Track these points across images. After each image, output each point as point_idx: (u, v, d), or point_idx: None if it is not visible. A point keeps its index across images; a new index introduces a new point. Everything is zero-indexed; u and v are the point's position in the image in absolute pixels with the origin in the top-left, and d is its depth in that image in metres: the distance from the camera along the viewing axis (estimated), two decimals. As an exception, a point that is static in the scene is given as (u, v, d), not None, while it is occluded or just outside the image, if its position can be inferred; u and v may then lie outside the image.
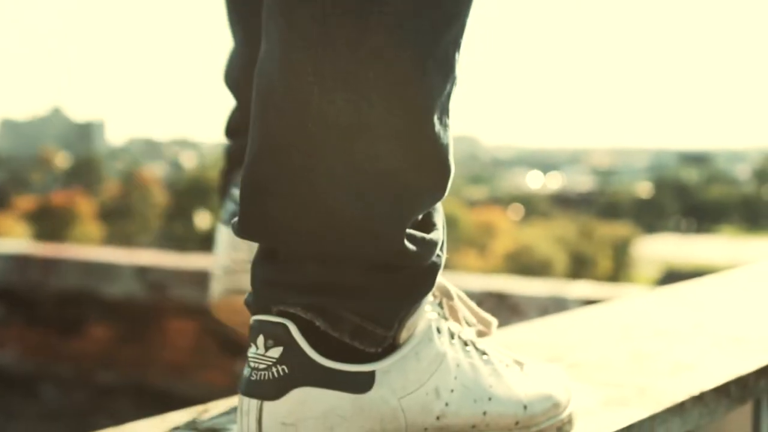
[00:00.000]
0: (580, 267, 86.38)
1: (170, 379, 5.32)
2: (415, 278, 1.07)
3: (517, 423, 1.10)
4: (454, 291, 1.14)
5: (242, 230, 1.06)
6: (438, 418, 1.05)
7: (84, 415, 5.45)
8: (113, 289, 5.44)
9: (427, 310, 1.10)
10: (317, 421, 0.99)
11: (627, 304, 2.11)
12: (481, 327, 1.17)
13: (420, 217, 1.08)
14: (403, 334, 1.06)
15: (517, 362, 1.15)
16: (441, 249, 1.10)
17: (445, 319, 1.13)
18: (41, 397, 5.56)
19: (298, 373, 1.00)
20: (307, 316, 1.02)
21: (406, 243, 1.04)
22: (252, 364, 1.03)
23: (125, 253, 5.76)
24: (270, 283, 1.05)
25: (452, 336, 1.11)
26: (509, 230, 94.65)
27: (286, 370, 1.00)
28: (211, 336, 5.21)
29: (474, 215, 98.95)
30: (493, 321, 1.18)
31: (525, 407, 1.11)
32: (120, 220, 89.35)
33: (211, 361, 5.21)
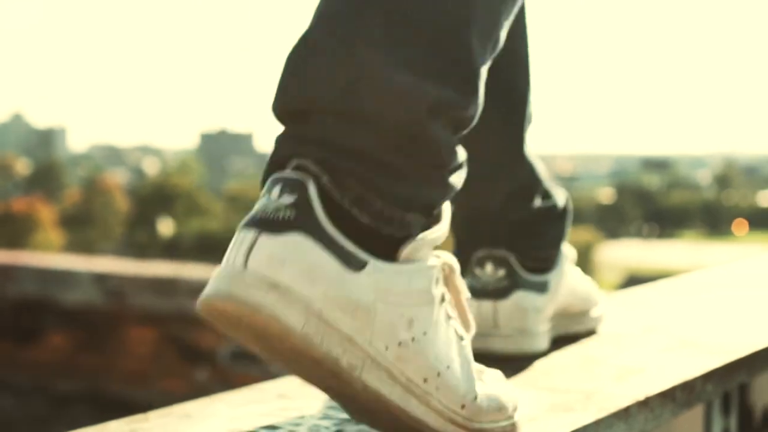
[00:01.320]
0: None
1: (129, 387, 5.32)
2: (432, 182, 1.12)
3: (462, 407, 1.11)
4: (459, 274, 1.18)
5: (278, 100, 1.13)
6: (399, 344, 1.06)
7: (42, 424, 5.43)
8: (72, 296, 5.43)
9: (435, 255, 1.14)
10: (302, 267, 1.02)
11: None
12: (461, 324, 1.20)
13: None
14: (405, 252, 1.09)
15: (479, 369, 1.18)
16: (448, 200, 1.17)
17: (445, 285, 1.16)
18: (-1, 406, 5.55)
19: (303, 223, 1.03)
20: (315, 169, 1.06)
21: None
22: (259, 207, 1.07)
23: (83, 260, 5.75)
24: (290, 137, 1.11)
25: (443, 299, 1.13)
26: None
27: (292, 217, 1.03)
28: (171, 344, 5.21)
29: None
30: (473, 327, 1.21)
31: (475, 397, 1.12)
32: (81, 227, 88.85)
33: (171, 368, 5.21)
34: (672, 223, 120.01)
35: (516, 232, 1.65)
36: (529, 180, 1.70)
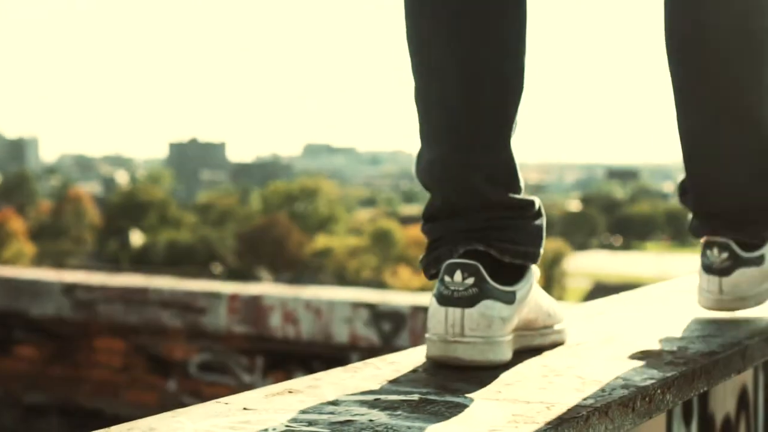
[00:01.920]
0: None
1: (99, 398, 5.31)
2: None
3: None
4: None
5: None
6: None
7: (12, 435, 5.42)
8: (41, 308, 5.42)
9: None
10: (747, 282, 2.13)
11: None
12: None
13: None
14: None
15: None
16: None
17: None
18: (-32, 418, 5.53)
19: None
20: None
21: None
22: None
23: (53, 272, 5.74)
24: (716, 225, 2.16)
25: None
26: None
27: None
28: (140, 355, 5.21)
29: (407, 232, 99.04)
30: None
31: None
32: (52, 239, 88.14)
33: (140, 380, 5.21)
34: (638, 233, 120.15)
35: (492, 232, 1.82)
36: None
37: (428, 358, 1.71)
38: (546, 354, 1.78)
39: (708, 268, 2.17)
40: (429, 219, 1.81)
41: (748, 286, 2.16)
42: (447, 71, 1.75)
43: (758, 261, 2.17)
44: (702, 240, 2.21)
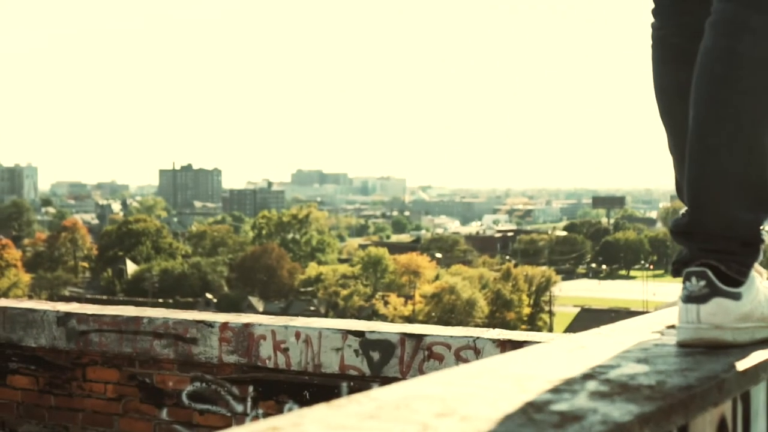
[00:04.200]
0: (501, 307, 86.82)
1: (93, 428, 5.34)
2: (757, 251, 2.40)
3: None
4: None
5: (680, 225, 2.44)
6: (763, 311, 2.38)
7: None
8: (35, 338, 5.45)
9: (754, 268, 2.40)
10: (723, 312, 2.29)
11: (522, 355, 2.17)
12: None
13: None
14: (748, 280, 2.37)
15: None
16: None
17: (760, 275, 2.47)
18: (-38, 448, 5.54)
19: (714, 292, 2.30)
20: (717, 263, 2.33)
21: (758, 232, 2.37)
22: (690, 289, 2.32)
23: (47, 302, 5.76)
24: (697, 249, 2.36)
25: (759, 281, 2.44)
26: (432, 273, 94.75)
27: (708, 291, 2.30)
28: (133, 385, 5.23)
29: (397, 259, 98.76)
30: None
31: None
32: (48, 268, 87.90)
33: (134, 409, 5.23)
34: (623, 259, 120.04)
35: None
36: None
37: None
38: (526, 389, 1.79)
39: (686, 298, 2.33)
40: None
41: (724, 316, 2.30)
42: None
43: (736, 296, 2.30)
44: (683, 274, 2.35)
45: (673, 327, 2.49)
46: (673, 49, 2.66)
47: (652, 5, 2.72)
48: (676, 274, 2.42)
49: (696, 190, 2.37)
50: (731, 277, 2.32)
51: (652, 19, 2.72)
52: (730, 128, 2.33)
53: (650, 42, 2.71)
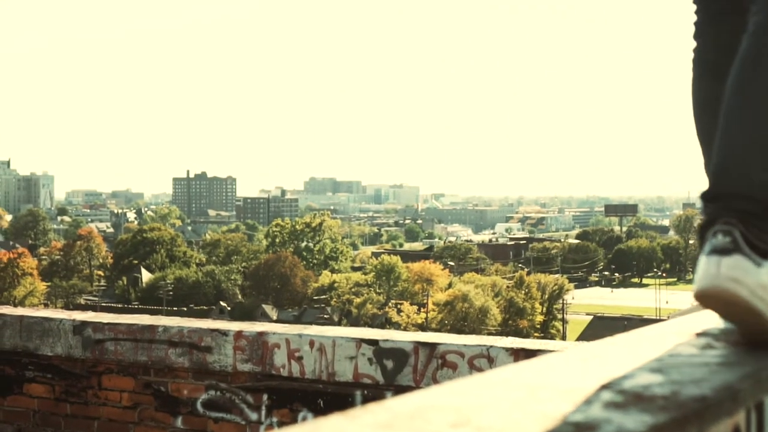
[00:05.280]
0: (514, 315, 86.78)
1: (108, 436, 5.34)
2: None
3: None
4: None
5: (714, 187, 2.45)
6: None
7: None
8: (52, 347, 5.46)
9: None
10: (741, 270, 2.27)
11: (536, 364, 2.15)
12: None
13: None
14: None
15: None
16: None
17: None
18: (-21, 456, 5.56)
19: (737, 249, 2.28)
20: (738, 223, 2.31)
21: None
22: (714, 243, 2.31)
23: (63, 312, 5.78)
24: (720, 208, 2.37)
25: None
26: (445, 281, 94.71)
27: (732, 246, 2.29)
28: (148, 393, 5.24)
29: (411, 267, 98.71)
30: None
31: None
32: (64, 277, 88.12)
33: (149, 417, 5.24)
34: (636, 267, 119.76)
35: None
36: None
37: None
38: (539, 399, 1.79)
39: (709, 251, 2.32)
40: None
41: (744, 274, 2.28)
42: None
43: (757, 262, 2.30)
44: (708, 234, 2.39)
45: (698, 335, 2.48)
46: (709, 65, 2.83)
47: (693, 29, 2.92)
48: (701, 239, 2.43)
49: (722, 157, 2.49)
50: (756, 246, 2.35)
51: (694, 44, 2.92)
52: (759, 101, 2.48)
53: (691, 65, 2.90)
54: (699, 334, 2.50)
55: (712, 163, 2.52)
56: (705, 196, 2.47)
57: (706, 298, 2.34)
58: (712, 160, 2.52)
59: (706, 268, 2.32)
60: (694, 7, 2.97)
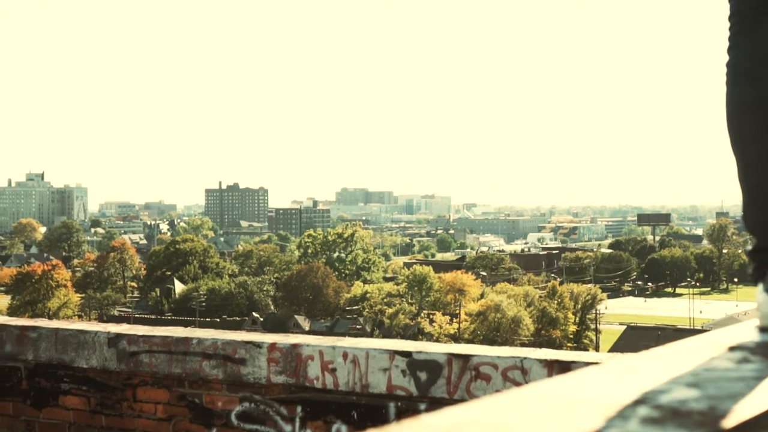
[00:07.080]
0: (547, 325, 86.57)
1: (143, 448, 5.36)
2: None
3: None
4: None
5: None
6: None
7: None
8: (87, 359, 5.49)
9: None
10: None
11: (573, 378, 2.15)
12: None
13: None
14: None
15: None
16: None
17: None
18: (15, 467, 5.60)
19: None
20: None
21: None
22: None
23: (98, 324, 5.81)
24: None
25: None
26: (477, 291, 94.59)
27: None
28: (183, 405, 5.26)
29: (443, 277, 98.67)
30: None
31: None
32: (97, 288, 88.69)
33: (183, 429, 5.26)
34: (670, 276, 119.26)
35: None
36: None
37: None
38: (577, 414, 1.79)
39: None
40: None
41: None
42: None
43: None
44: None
45: (733, 348, 2.48)
46: (744, 74, 2.88)
47: (728, 43, 2.99)
48: (757, 277, 2.79)
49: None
50: None
51: (727, 57, 2.98)
52: None
53: (724, 77, 2.97)
54: (734, 348, 2.51)
55: (756, 217, 2.82)
56: (753, 252, 2.82)
57: None
58: (755, 213, 2.83)
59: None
60: (728, 23, 3.04)
